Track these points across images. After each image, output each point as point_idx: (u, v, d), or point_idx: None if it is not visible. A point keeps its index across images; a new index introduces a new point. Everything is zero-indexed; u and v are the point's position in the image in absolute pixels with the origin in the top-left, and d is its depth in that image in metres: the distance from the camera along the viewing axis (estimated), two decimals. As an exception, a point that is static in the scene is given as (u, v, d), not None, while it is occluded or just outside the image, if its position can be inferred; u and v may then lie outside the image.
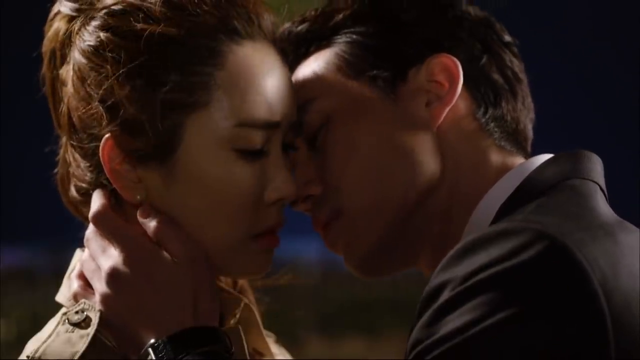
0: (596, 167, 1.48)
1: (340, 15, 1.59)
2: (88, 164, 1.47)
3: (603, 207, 1.43)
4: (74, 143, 1.48)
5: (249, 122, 1.44)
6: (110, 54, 1.43)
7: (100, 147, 1.43)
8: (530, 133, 1.60)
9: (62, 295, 1.46)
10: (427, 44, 1.54)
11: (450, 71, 1.52)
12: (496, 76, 1.55)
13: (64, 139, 1.55)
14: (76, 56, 1.47)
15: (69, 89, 1.48)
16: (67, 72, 1.49)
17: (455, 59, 1.52)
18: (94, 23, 1.47)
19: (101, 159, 1.43)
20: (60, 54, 1.52)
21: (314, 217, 1.54)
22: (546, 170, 1.46)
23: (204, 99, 1.42)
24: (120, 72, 1.42)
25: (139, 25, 1.42)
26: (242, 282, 1.60)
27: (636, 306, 1.26)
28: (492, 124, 1.53)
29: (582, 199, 1.43)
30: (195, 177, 1.42)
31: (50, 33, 1.53)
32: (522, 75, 1.59)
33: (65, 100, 1.49)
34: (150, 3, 1.45)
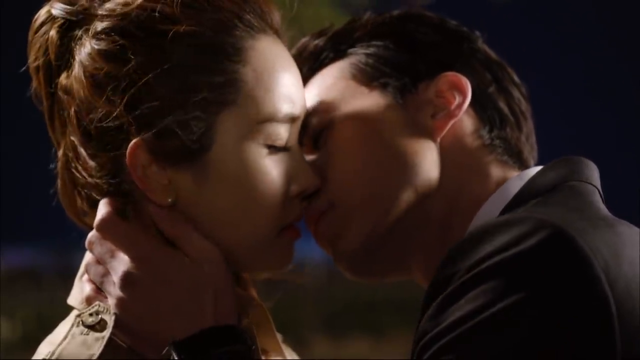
0: (593, 173, 1.50)
1: (359, 32, 1.61)
2: (105, 172, 1.42)
3: (602, 206, 1.45)
4: (89, 152, 1.43)
5: (276, 117, 1.44)
6: (133, 57, 1.40)
7: (128, 153, 1.39)
8: (531, 163, 1.61)
9: (74, 298, 1.45)
10: (440, 64, 1.57)
11: (458, 87, 1.54)
12: (503, 105, 1.58)
13: (61, 153, 1.49)
14: (86, 63, 1.42)
15: (78, 97, 1.43)
16: (71, 81, 1.45)
17: (464, 78, 1.55)
18: (104, 27, 1.42)
19: (129, 164, 1.40)
20: (57, 64, 1.47)
21: (308, 211, 1.56)
22: (545, 175, 1.48)
23: (232, 97, 1.41)
24: (149, 76, 1.39)
25: (161, 27, 1.40)
26: (246, 280, 1.60)
27: (638, 296, 1.26)
28: (496, 141, 1.55)
29: (582, 197, 1.44)
30: (227, 175, 1.41)
31: (39, 44, 1.47)
32: (529, 115, 1.61)
33: (72, 110, 1.44)
34: (164, 3, 1.42)
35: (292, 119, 1.45)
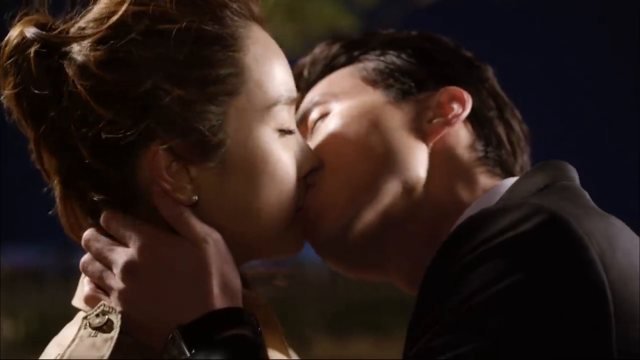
0: (576, 175, 1.52)
1: (374, 42, 1.64)
2: (119, 181, 1.41)
3: (593, 203, 1.45)
4: (99, 167, 1.40)
5: (281, 100, 1.44)
6: (136, 62, 1.38)
7: (149, 157, 1.39)
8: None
9: (79, 299, 1.45)
10: (447, 79, 1.59)
11: (459, 100, 1.56)
12: (501, 132, 1.60)
13: (56, 181, 1.45)
14: (84, 78, 1.36)
15: (80, 115, 1.37)
16: (66, 102, 1.39)
17: (467, 93, 1.56)
18: (97, 39, 1.39)
19: (151, 168, 1.38)
20: (40, 92, 1.40)
21: None
22: (534, 176, 1.49)
23: (239, 87, 1.40)
24: (158, 78, 1.38)
25: (159, 27, 1.39)
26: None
27: (632, 283, 1.27)
28: (490, 155, 1.57)
29: (574, 192, 1.45)
30: (247, 164, 1.42)
31: (14, 71, 1.41)
32: (526, 151, 1.62)
33: (74, 130, 1.40)
34: (155, 5, 1.41)
35: (293, 101, 1.47)
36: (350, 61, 1.63)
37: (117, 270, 1.38)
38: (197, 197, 1.40)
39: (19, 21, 1.42)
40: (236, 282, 1.39)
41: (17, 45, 1.40)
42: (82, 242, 1.42)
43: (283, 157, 1.44)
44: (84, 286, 1.43)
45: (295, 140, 1.47)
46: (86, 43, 1.39)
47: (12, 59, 1.40)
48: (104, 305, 1.38)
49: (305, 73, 1.64)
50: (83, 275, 1.44)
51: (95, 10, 1.42)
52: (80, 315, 1.41)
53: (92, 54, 1.38)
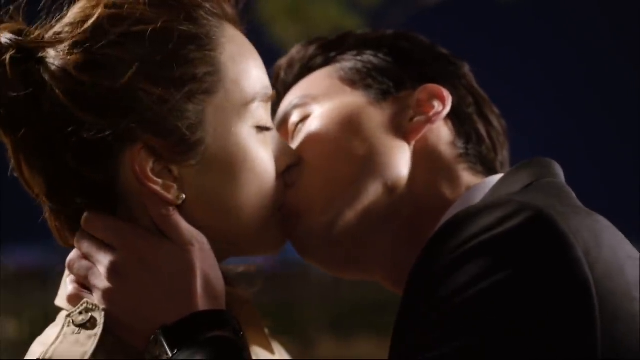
0: (561, 173, 1.53)
1: (351, 42, 1.66)
2: (101, 183, 1.41)
3: (578, 201, 1.46)
4: (83, 170, 1.40)
5: (257, 97, 1.47)
6: (113, 64, 1.39)
7: (131, 158, 1.39)
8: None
9: (61, 299, 1.45)
10: (425, 78, 1.62)
11: (439, 97, 1.58)
12: (481, 128, 1.62)
13: (39, 191, 1.44)
14: (62, 81, 1.38)
15: (59, 120, 1.38)
16: (46, 107, 1.39)
17: (446, 90, 1.59)
18: (73, 42, 1.39)
19: (133, 169, 1.39)
20: (35, 98, 1.39)
21: None
22: (519, 173, 1.51)
23: (216, 85, 1.43)
24: (134, 79, 1.38)
25: (135, 29, 1.40)
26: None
27: (617, 280, 1.28)
28: (471, 151, 1.59)
29: (559, 190, 1.46)
30: (227, 162, 1.43)
31: (0, 85, 1.39)
32: (506, 147, 1.64)
33: (53, 136, 1.39)
34: (129, 7, 1.42)
35: (269, 98, 1.49)
36: (327, 62, 1.64)
37: (102, 269, 1.39)
38: (184, 196, 1.41)
39: None
40: (220, 284, 1.41)
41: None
42: (75, 242, 1.43)
43: (261, 154, 1.45)
44: (67, 285, 1.44)
45: (271, 136, 1.48)
46: (63, 47, 1.40)
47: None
48: (87, 303, 1.39)
49: (282, 75, 1.66)
50: (66, 274, 1.45)
51: (70, 15, 1.43)
52: (63, 314, 1.42)
53: (69, 57, 1.39)
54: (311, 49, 1.67)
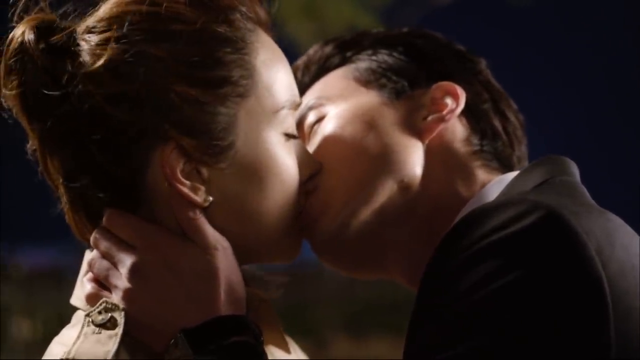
0: (577, 171, 1.53)
1: (366, 41, 1.67)
2: (126, 180, 1.40)
3: (592, 200, 1.47)
4: (110, 166, 1.39)
5: (287, 104, 1.46)
6: (149, 62, 1.38)
7: (161, 158, 1.38)
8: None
9: (78, 298, 1.45)
10: (439, 75, 1.62)
11: (452, 95, 1.59)
12: (497, 124, 1.62)
13: (62, 189, 1.43)
14: (96, 78, 1.37)
15: (91, 117, 1.37)
16: (78, 100, 1.38)
17: (460, 88, 1.59)
18: (102, 38, 1.38)
19: (164, 168, 1.38)
20: (64, 92, 1.38)
21: None
22: (533, 171, 1.51)
23: (248, 89, 1.43)
24: (170, 78, 1.38)
25: (173, 27, 1.39)
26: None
27: (630, 279, 1.29)
28: (486, 148, 1.60)
29: (572, 188, 1.46)
30: (255, 166, 1.43)
31: (18, 70, 1.39)
32: (524, 141, 1.64)
33: (85, 133, 1.38)
34: (167, 5, 1.41)
35: (297, 106, 1.49)
36: (343, 62, 1.65)
37: (124, 269, 1.39)
38: (211, 199, 1.40)
39: (21, 19, 1.41)
40: (241, 289, 1.40)
41: (22, 44, 1.39)
42: (91, 241, 1.43)
43: (287, 161, 1.45)
44: (85, 285, 1.43)
45: (297, 144, 1.48)
46: (97, 41, 1.38)
47: (16, 58, 1.39)
48: (107, 302, 1.38)
49: (300, 76, 1.66)
50: (82, 273, 1.45)
51: (106, 10, 1.41)
52: (80, 314, 1.41)
53: (103, 52, 1.38)
54: (327, 50, 1.67)
